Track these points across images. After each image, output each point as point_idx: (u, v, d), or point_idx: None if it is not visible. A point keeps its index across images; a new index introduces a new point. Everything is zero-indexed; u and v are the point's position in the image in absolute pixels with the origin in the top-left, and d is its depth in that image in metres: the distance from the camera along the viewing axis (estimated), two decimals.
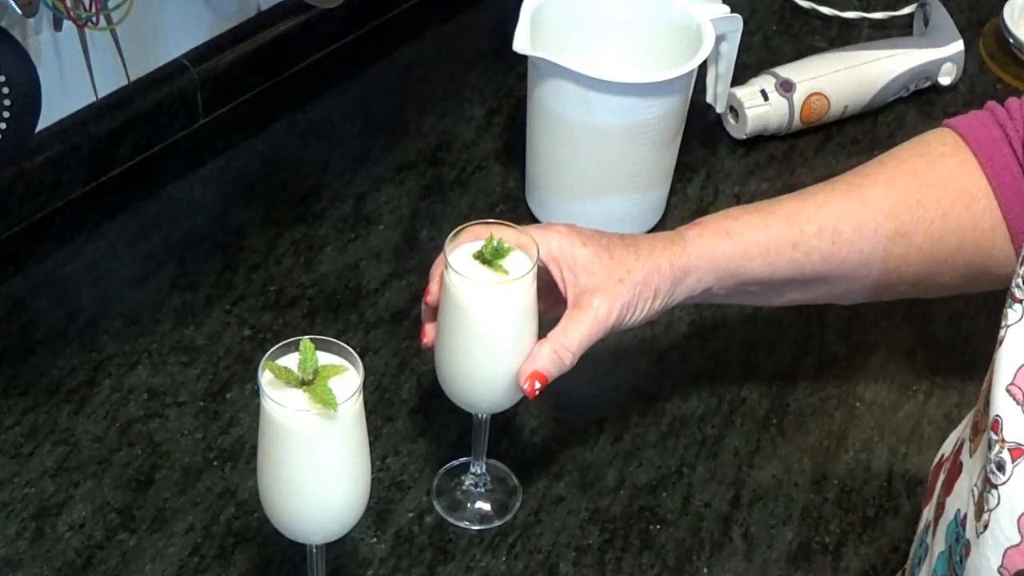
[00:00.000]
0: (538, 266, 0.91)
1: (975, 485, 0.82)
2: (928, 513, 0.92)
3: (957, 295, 1.17)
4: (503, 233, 0.91)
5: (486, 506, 1.02)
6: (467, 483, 1.03)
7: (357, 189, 1.25)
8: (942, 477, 0.90)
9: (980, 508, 0.80)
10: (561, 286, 0.95)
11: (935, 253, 1.00)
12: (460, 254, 0.91)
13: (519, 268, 0.91)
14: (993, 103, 1.01)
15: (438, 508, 1.02)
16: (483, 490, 1.03)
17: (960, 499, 0.84)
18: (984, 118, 1.01)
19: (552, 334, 0.93)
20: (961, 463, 0.86)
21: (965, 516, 0.83)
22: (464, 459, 1.04)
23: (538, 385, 0.92)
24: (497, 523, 1.01)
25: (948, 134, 1.01)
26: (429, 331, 0.97)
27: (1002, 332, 0.82)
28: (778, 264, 0.98)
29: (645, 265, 0.95)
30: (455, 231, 0.91)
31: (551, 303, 0.95)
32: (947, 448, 0.94)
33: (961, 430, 0.93)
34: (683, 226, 1.00)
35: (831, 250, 0.98)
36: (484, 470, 1.02)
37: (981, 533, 0.79)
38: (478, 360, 0.93)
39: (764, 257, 0.98)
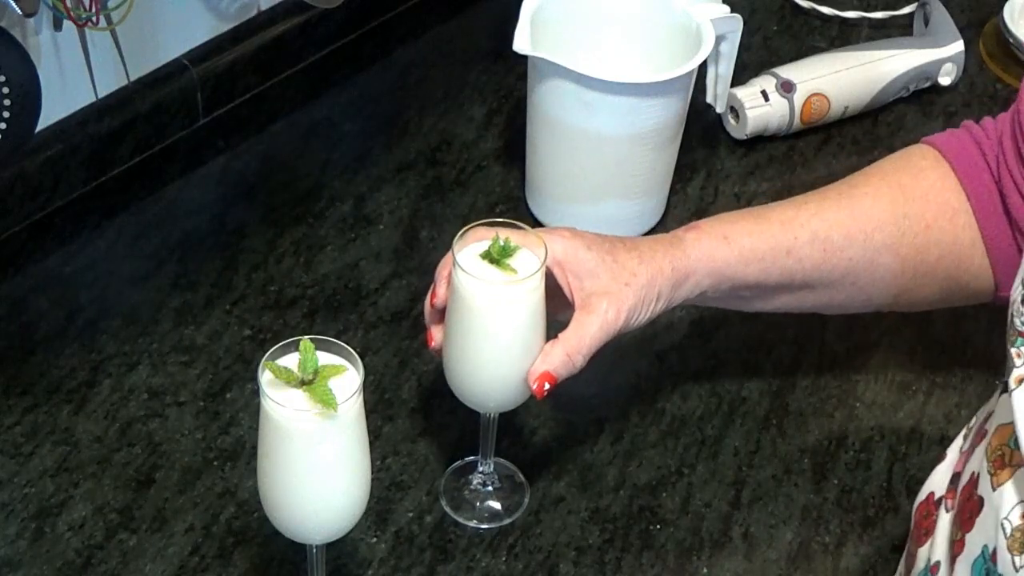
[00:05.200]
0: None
1: (1006, 519, 0.81)
2: (929, 552, 0.91)
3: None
4: (509, 233, 0.92)
5: (495, 504, 1.02)
6: (475, 482, 1.03)
7: (357, 189, 1.25)
8: (949, 515, 0.89)
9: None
10: (567, 290, 0.95)
11: (917, 266, 1.01)
12: (468, 254, 0.91)
13: (527, 267, 0.91)
14: (969, 122, 1.03)
15: (446, 508, 1.02)
16: (491, 488, 1.03)
17: (986, 534, 0.84)
18: (961, 136, 1.02)
19: (563, 336, 0.93)
20: (981, 497, 0.85)
21: (995, 551, 0.82)
22: (470, 458, 1.04)
23: (547, 386, 0.92)
24: (507, 521, 1.01)
25: (928, 150, 1.03)
26: (436, 334, 0.97)
27: (1020, 371, 0.81)
28: (771, 270, 0.99)
29: (648, 269, 0.95)
30: (462, 231, 0.91)
31: (554, 307, 0.95)
32: (936, 486, 0.94)
33: (952, 463, 0.92)
34: (680, 229, 1.00)
35: (822, 258, 1.00)
36: (492, 468, 1.03)
37: (1021, 567, 0.79)
38: (487, 359, 0.93)
39: (759, 263, 0.99)
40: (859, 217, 1.00)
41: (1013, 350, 0.83)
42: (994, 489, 0.84)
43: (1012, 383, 0.82)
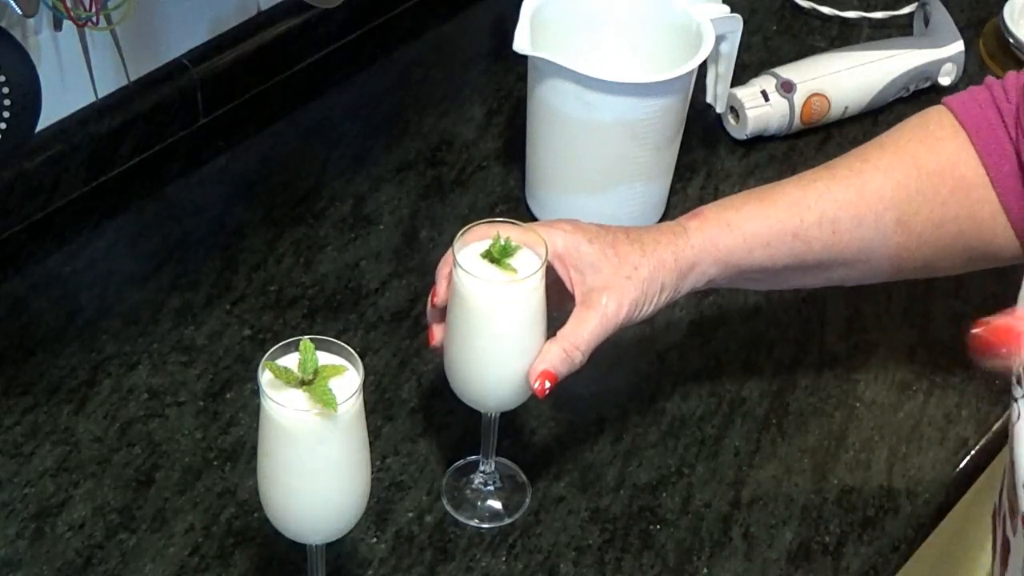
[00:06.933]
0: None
1: None
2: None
3: (957, 295, 1.18)
4: (510, 232, 0.92)
5: (496, 504, 1.02)
6: (476, 481, 1.03)
7: (357, 189, 1.25)
8: (1000, 547, 0.90)
9: None
10: (568, 284, 0.95)
11: (935, 240, 0.99)
12: (468, 253, 0.91)
13: (527, 266, 0.91)
14: (992, 79, 1.01)
15: (448, 507, 1.02)
16: (492, 488, 1.03)
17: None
18: (982, 98, 1.00)
19: (561, 333, 0.93)
20: (1008, 539, 0.86)
21: None
22: (472, 458, 1.04)
23: (548, 384, 0.92)
24: (508, 520, 1.01)
25: (946, 115, 1.00)
26: (436, 332, 0.97)
27: (1015, 426, 0.81)
28: (778, 254, 0.98)
29: (651, 261, 0.95)
30: (463, 230, 0.91)
31: (557, 301, 0.95)
32: (996, 499, 0.94)
33: (1001, 481, 0.92)
34: (684, 216, 0.99)
35: (832, 239, 0.98)
36: (493, 468, 1.03)
37: None
38: (487, 358, 0.93)
39: (765, 248, 0.98)
40: (869, 196, 0.98)
41: (1014, 405, 0.82)
42: (1014, 534, 0.84)
43: (1011, 438, 0.82)
